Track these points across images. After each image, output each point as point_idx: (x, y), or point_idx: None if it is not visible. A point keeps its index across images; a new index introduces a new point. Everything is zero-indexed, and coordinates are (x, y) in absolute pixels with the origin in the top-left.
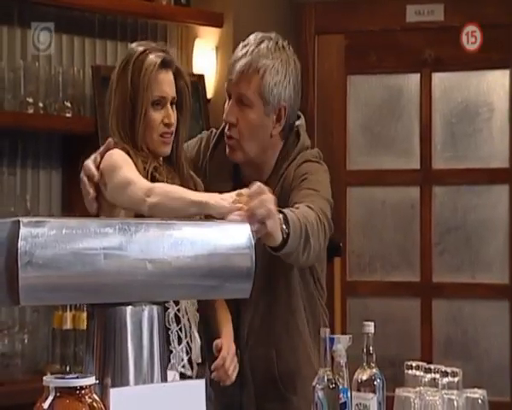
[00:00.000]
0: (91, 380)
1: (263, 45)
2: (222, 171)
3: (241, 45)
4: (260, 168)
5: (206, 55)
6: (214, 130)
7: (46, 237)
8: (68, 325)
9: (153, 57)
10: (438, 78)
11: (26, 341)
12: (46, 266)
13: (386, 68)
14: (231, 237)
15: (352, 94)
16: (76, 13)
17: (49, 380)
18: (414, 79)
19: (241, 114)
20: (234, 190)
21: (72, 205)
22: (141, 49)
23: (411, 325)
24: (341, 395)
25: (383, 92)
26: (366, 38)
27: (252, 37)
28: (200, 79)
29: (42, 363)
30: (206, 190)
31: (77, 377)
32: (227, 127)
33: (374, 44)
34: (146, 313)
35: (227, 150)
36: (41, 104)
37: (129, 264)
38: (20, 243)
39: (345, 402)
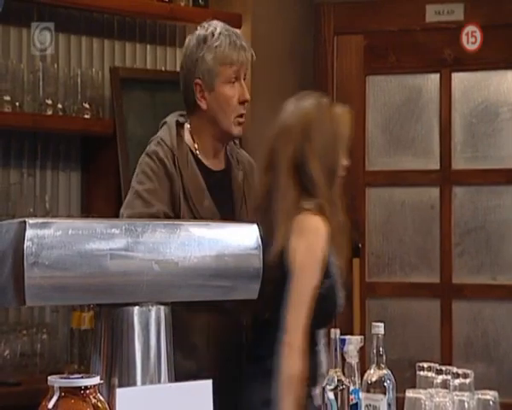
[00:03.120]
0: (96, 380)
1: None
2: (196, 178)
3: (229, 37)
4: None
5: None
6: (159, 156)
7: (52, 238)
8: (87, 325)
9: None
10: (457, 78)
11: (44, 341)
12: (52, 266)
13: (406, 68)
14: (239, 237)
15: (371, 94)
16: (95, 15)
17: (54, 380)
18: (433, 79)
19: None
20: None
21: (90, 206)
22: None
23: (431, 327)
24: (353, 396)
25: (402, 92)
26: (385, 38)
27: (223, 26)
28: None
29: (60, 363)
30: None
31: (81, 377)
32: (243, 106)
33: (393, 44)
34: (153, 314)
35: (239, 129)
36: (60, 106)
37: (135, 264)
38: (26, 244)
39: (356, 403)
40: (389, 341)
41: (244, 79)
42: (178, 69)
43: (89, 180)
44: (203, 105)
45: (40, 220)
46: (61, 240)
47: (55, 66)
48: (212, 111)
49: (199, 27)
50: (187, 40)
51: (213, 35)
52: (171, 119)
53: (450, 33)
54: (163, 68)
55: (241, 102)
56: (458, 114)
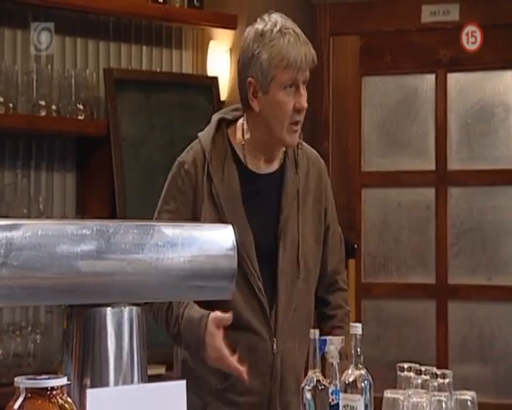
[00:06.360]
0: (63, 381)
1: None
2: (230, 183)
3: (288, 35)
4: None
5: (220, 57)
6: (188, 160)
7: (21, 239)
8: None
9: None
10: (453, 78)
11: (38, 341)
12: (21, 267)
13: (401, 69)
14: (214, 238)
15: (367, 95)
16: (91, 16)
17: (20, 381)
18: (429, 79)
19: (305, 95)
20: (243, 184)
21: (85, 206)
22: None
23: (427, 327)
24: (333, 397)
25: (398, 93)
26: (381, 38)
27: (284, 22)
28: (214, 81)
29: (54, 363)
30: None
31: (48, 378)
32: (299, 114)
33: (389, 45)
34: (125, 314)
35: (294, 137)
36: (54, 107)
37: (107, 265)
38: None
39: (337, 404)
40: (385, 341)
41: (304, 83)
42: (174, 70)
43: (83, 181)
44: (255, 106)
45: (9, 222)
46: (31, 241)
47: (49, 67)
48: (264, 114)
49: (259, 19)
50: (246, 32)
51: (272, 32)
52: (217, 115)
53: (446, 34)
54: (158, 69)
55: (299, 110)
56: (454, 115)
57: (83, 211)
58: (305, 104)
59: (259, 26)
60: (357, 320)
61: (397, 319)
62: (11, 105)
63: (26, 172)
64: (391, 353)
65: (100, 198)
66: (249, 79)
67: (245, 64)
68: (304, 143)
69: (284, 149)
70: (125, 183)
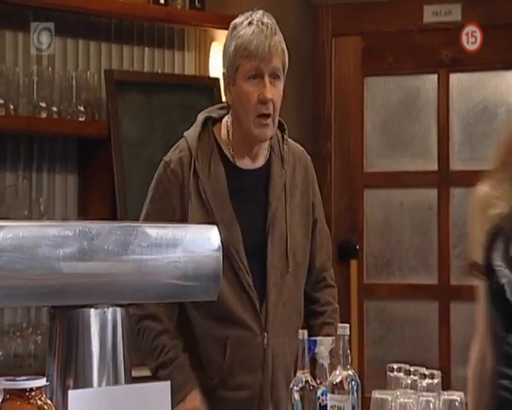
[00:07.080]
0: (42, 382)
1: (273, 22)
2: (217, 180)
3: (254, 26)
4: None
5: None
6: (174, 158)
7: (2, 241)
8: None
9: None
10: (455, 78)
11: (39, 342)
12: (3, 268)
13: (404, 69)
14: (199, 239)
15: (369, 95)
16: (92, 18)
17: None
18: (431, 79)
19: (274, 88)
20: (230, 180)
21: (87, 208)
22: None
23: (429, 328)
24: (323, 397)
25: (400, 94)
26: (383, 39)
27: (260, 17)
28: (216, 82)
29: None
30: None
31: (27, 379)
32: (264, 106)
33: (391, 46)
34: (109, 315)
35: (262, 131)
36: (55, 108)
37: (89, 266)
38: None
39: (326, 404)
40: (387, 342)
41: (276, 78)
42: (176, 72)
43: (85, 182)
44: (228, 99)
45: None
46: (12, 243)
47: (50, 69)
48: (234, 106)
49: (240, 15)
50: None
51: (242, 24)
52: (203, 114)
53: (448, 34)
54: (160, 71)
55: (262, 102)
56: (456, 115)
57: (84, 212)
58: (268, 95)
59: (235, 20)
60: (360, 321)
61: (399, 320)
62: (12, 107)
63: (28, 174)
64: (393, 354)
65: (101, 199)
66: (223, 71)
67: (222, 58)
68: (289, 139)
69: (269, 145)
70: (125, 184)
